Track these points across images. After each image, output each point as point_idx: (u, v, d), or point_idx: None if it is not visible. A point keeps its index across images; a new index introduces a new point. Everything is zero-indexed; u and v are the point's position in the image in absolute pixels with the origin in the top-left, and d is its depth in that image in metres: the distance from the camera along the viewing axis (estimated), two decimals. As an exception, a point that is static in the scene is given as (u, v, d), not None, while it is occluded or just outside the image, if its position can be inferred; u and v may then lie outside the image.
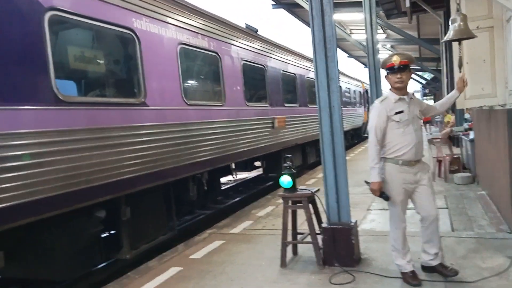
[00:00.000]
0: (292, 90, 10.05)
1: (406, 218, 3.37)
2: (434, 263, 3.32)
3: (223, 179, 9.12)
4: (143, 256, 4.86)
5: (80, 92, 4.21)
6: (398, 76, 3.17)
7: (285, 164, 4.05)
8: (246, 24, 8.08)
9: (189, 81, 5.79)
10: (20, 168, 3.21)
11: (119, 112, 4.29)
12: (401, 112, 3.19)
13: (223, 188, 9.11)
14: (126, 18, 4.45)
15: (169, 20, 5.19)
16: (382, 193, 3.22)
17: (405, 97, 3.24)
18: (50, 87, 3.54)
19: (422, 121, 3.36)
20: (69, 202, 3.65)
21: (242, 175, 11.26)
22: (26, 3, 3.38)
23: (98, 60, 4.46)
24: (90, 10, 4.00)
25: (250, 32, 7.92)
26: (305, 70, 10.85)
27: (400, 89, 3.22)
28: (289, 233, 4.11)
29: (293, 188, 3.98)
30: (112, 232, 4.74)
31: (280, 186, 4.05)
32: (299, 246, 4.25)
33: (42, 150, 3.41)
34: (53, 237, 3.84)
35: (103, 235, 4.59)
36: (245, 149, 7.07)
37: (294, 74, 10.10)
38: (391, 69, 3.20)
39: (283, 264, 3.92)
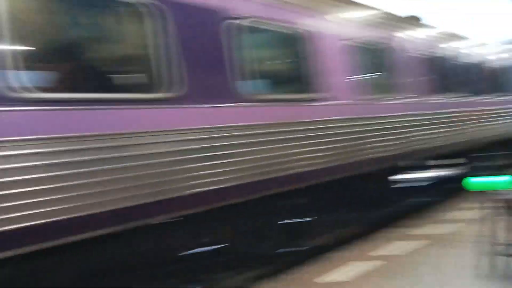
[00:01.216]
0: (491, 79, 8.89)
1: None
2: None
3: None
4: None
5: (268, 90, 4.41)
6: None
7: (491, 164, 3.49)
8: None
9: (373, 76, 5.69)
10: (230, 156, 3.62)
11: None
12: None
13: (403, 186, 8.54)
14: (297, 19, 4.53)
15: (332, 18, 5.10)
16: None
17: None
18: (233, 87, 3.79)
19: None
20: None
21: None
22: (209, 17, 3.67)
23: (275, 61, 4.68)
24: (270, 14, 4.22)
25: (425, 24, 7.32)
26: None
27: None
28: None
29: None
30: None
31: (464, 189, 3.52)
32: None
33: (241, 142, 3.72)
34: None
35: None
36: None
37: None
38: None
39: (492, 276, 3.45)
